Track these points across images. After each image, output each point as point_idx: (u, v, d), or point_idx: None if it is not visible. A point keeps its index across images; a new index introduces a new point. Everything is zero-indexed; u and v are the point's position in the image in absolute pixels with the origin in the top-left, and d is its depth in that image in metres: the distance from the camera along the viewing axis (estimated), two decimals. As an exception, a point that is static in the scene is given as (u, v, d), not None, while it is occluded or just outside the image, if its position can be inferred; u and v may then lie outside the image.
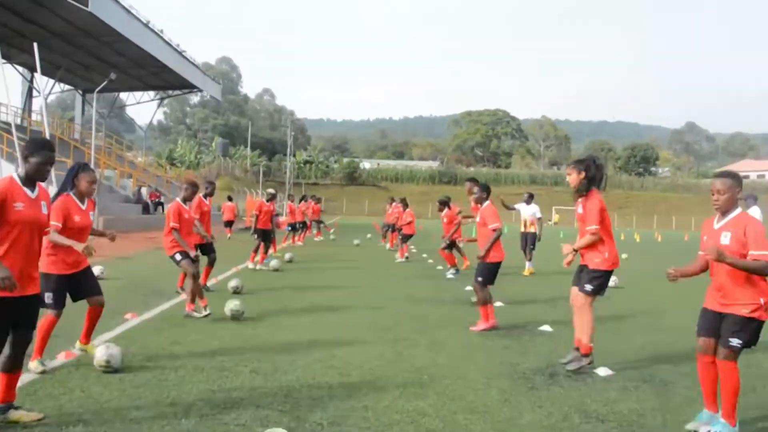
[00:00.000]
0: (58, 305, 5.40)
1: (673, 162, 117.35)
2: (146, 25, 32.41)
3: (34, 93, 39.27)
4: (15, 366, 4.15)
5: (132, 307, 8.24)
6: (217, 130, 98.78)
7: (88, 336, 5.87)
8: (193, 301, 8.03)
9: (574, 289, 6.08)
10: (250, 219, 35.97)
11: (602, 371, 5.89)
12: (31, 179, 4.11)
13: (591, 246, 5.90)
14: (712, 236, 4.54)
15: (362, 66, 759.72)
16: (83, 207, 5.54)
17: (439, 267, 15.32)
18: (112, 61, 35.69)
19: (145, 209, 32.06)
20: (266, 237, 14.35)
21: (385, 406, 4.72)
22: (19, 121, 37.71)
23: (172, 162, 67.22)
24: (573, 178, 6.02)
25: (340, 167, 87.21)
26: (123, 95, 51.32)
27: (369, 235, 27.03)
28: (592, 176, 5.99)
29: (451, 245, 13.89)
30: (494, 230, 7.74)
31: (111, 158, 39.24)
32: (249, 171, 74.74)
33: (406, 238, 17.77)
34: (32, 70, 35.27)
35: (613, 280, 12.74)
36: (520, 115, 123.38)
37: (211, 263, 10.48)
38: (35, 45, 19.64)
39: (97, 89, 28.63)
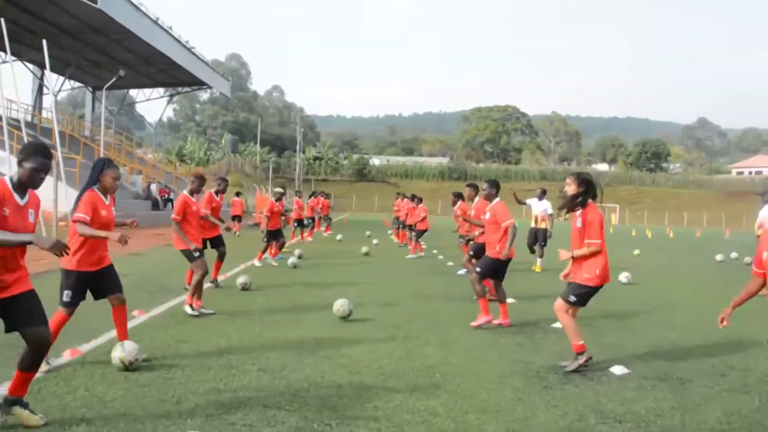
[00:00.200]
0: (74, 304, 5.33)
1: (685, 158, 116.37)
2: (155, 22, 32.42)
3: (45, 90, 39.38)
4: (32, 366, 4.03)
5: (139, 303, 8.15)
6: (226, 126, 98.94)
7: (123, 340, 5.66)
8: (193, 295, 7.93)
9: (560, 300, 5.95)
10: (258, 216, 36.05)
11: (617, 369, 5.75)
12: (22, 185, 3.90)
13: (583, 260, 5.77)
14: None
15: (372, 62, 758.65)
16: (107, 202, 5.51)
17: (450, 263, 15.19)
18: (121, 58, 35.74)
19: (155, 206, 32.10)
20: (277, 236, 14.26)
21: (395, 406, 4.61)
22: (29, 118, 37.89)
23: (181, 159, 67.33)
24: (573, 188, 5.88)
25: (350, 163, 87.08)
26: (132, 92, 51.51)
27: (368, 233, 26.77)
28: (593, 190, 5.86)
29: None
30: (508, 227, 7.62)
31: (121, 155, 39.32)
32: (259, 167, 74.76)
33: (420, 233, 17.64)
34: (42, 67, 35.38)
35: (626, 277, 12.67)
36: (530, 111, 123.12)
37: (221, 257, 10.43)
38: (44, 42, 19.60)
39: (106, 86, 28.60)
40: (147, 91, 48.62)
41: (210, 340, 6.57)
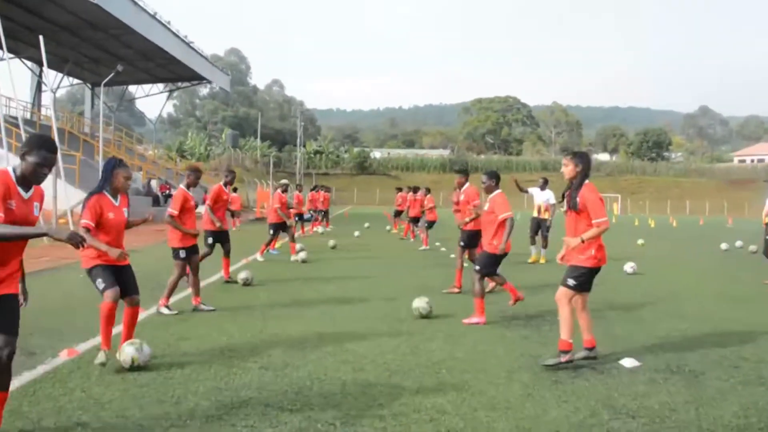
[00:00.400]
0: (113, 285, 5.29)
1: (686, 147, 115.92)
2: (153, 17, 32.18)
3: (43, 87, 39.20)
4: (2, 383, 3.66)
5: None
6: (226, 121, 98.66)
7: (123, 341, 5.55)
8: (168, 296, 7.78)
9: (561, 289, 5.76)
10: (260, 211, 35.93)
11: (628, 362, 5.61)
12: (25, 179, 3.70)
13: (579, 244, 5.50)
14: None
15: (372, 55, 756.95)
16: (116, 203, 5.45)
17: (453, 255, 15.03)
18: (119, 54, 35.52)
19: (155, 202, 31.98)
20: (284, 228, 14.14)
21: (401, 404, 4.47)
22: (28, 116, 37.72)
23: (182, 154, 67.19)
24: (570, 169, 5.62)
25: (351, 157, 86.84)
26: (132, 88, 51.30)
27: (367, 224, 26.66)
28: (588, 169, 5.65)
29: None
30: (505, 219, 7.44)
31: (121, 151, 39.18)
32: (259, 162, 74.54)
33: (431, 224, 17.57)
34: (40, 64, 35.15)
35: (631, 267, 12.52)
36: (530, 102, 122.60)
37: (226, 253, 10.32)
38: (41, 38, 19.40)
39: (104, 82, 28.42)
40: (146, 86, 48.42)
41: (211, 337, 6.44)
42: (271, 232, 13.94)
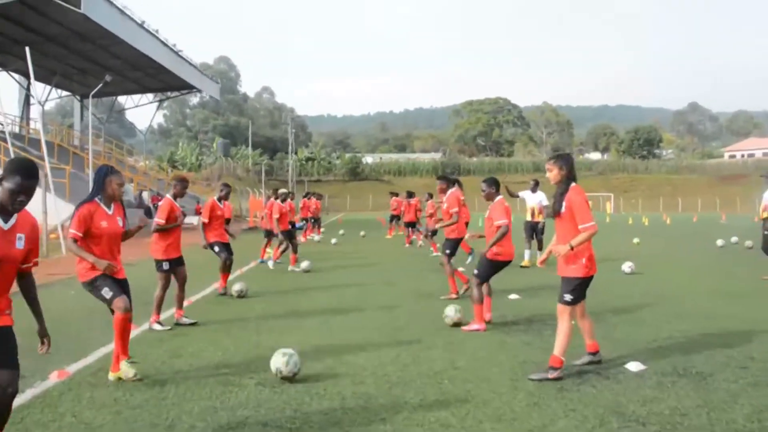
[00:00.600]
0: (120, 292, 5.20)
1: (677, 143, 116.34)
2: (141, 26, 31.98)
3: (32, 100, 38.91)
4: None
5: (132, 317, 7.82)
6: (217, 130, 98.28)
7: (117, 362, 5.40)
8: (158, 312, 7.60)
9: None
10: (253, 220, 35.69)
11: (633, 366, 5.48)
12: (3, 208, 3.40)
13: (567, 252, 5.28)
14: None
15: (360, 60, 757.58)
16: (110, 212, 5.31)
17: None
18: (108, 64, 35.30)
19: (148, 213, 31.67)
20: (291, 237, 13.97)
21: (404, 418, 4.32)
22: (17, 129, 37.43)
23: (173, 164, 66.87)
24: (554, 174, 5.42)
25: (343, 163, 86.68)
26: (122, 99, 50.96)
27: (363, 233, 26.50)
28: (572, 170, 5.45)
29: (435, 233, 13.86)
30: (499, 226, 7.31)
31: (111, 163, 38.86)
32: (251, 170, 74.29)
33: (434, 232, 17.46)
34: (27, 77, 34.91)
35: (629, 267, 12.41)
36: (521, 103, 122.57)
37: (228, 266, 10.16)
38: (27, 50, 19.18)
39: (92, 93, 28.19)
40: (136, 97, 48.19)
41: (206, 352, 6.27)
42: (280, 237, 13.78)
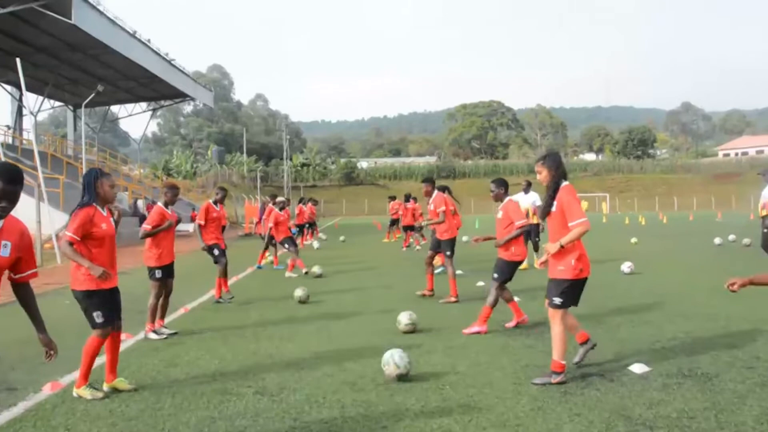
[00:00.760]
0: (109, 323, 5.06)
1: (671, 143, 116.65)
2: (132, 35, 31.82)
3: (24, 111, 38.73)
4: None
5: (127, 326, 7.65)
6: (212, 138, 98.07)
7: (113, 370, 5.29)
8: (153, 321, 7.49)
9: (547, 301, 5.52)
10: (249, 226, 35.55)
11: (637, 368, 5.39)
12: None
13: (557, 252, 5.14)
14: None
15: (354, 65, 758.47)
16: (105, 214, 5.19)
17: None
18: (100, 74, 35.14)
19: (142, 221, 31.53)
20: (292, 243, 13.84)
21: (406, 426, 4.22)
22: (10, 140, 37.24)
23: (168, 173, 66.69)
24: (544, 175, 5.30)
25: (338, 168, 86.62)
26: (115, 108, 50.80)
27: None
28: (562, 170, 5.31)
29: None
30: (520, 226, 7.25)
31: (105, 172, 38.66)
32: (246, 177, 74.19)
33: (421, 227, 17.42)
34: (19, 87, 34.77)
35: (628, 267, 12.34)
36: (514, 105, 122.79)
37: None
38: (18, 61, 19.04)
39: (84, 103, 28.05)
40: (129, 106, 47.97)
41: (202, 361, 6.16)
42: (286, 246, 13.64)
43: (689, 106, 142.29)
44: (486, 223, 40.71)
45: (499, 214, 7.48)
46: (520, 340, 6.71)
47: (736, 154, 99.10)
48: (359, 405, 4.69)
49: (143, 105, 48.30)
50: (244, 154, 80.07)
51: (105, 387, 5.23)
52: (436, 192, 9.91)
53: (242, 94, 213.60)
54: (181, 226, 33.99)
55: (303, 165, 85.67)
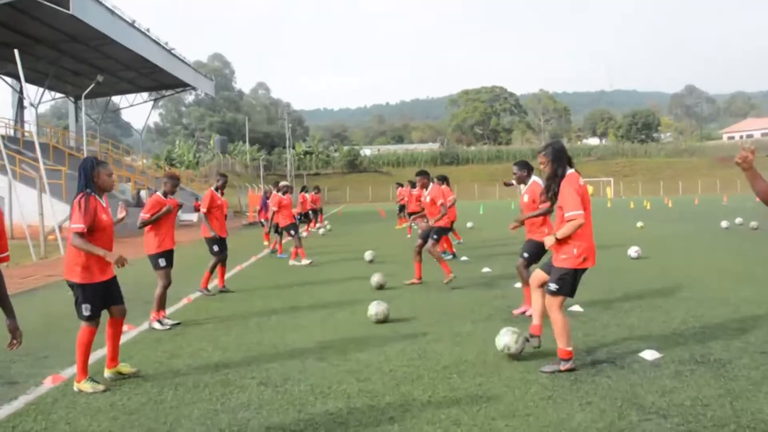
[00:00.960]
0: (97, 315, 5.00)
1: (675, 126, 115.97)
2: (132, 25, 31.63)
3: (25, 103, 38.61)
4: None
5: (130, 317, 7.58)
6: (214, 127, 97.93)
7: (115, 358, 5.28)
8: (158, 309, 7.40)
9: (538, 271, 5.41)
10: (252, 215, 35.45)
11: (649, 354, 5.28)
12: None
13: (563, 240, 5.00)
14: None
15: (356, 52, 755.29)
16: (104, 205, 5.11)
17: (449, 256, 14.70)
18: (100, 65, 34.99)
19: (146, 212, 31.48)
20: (294, 230, 13.73)
21: (413, 416, 4.13)
22: (12, 132, 37.15)
23: (171, 163, 66.58)
24: (549, 167, 5.15)
25: (341, 156, 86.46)
26: (116, 99, 50.61)
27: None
28: (562, 158, 5.13)
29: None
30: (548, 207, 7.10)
31: (108, 162, 38.59)
32: (249, 166, 74.09)
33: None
34: (19, 79, 34.65)
35: (635, 251, 12.20)
36: (517, 91, 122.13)
37: (223, 261, 9.93)
38: (16, 52, 18.88)
39: (84, 93, 27.91)
40: (130, 96, 47.86)
41: (205, 352, 6.07)
42: (292, 233, 13.53)
43: (693, 89, 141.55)
44: (490, 209, 40.55)
45: (525, 198, 7.31)
46: (526, 327, 6.58)
47: (741, 137, 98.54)
48: (365, 395, 4.60)
49: (144, 95, 48.18)
50: (247, 143, 79.99)
51: (107, 373, 5.22)
52: (432, 184, 10.05)
53: (244, 83, 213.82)
54: (184, 216, 34.00)
55: (306, 153, 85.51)
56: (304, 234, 21.68)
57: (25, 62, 22.26)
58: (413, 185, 19.99)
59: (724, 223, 19.32)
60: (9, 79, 37.16)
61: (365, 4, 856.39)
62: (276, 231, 15.09)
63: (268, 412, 4.33)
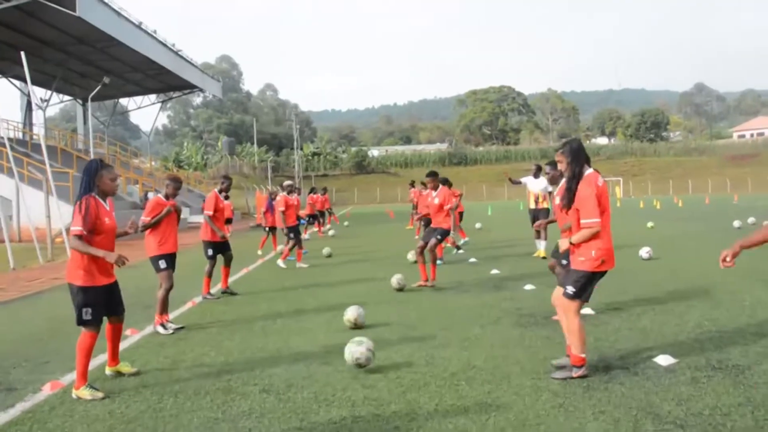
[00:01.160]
0: (98, 321, 4.92)
1: (685, 125, 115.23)
2: (138, 27, 31.64)
3: (34, 106, 38.73)
4: None
5: (133, 321, 7.52)
6: (222, 129, 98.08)
7: (115, 357, 5.35)
8: (161, 312, 7.27)
9: (559, 289, 5.14)
10: (260, 217, 35.42)
11: (663, 360, 5.11)
12: None
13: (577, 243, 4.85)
14: None
15: (364, 53, 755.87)
16: (108, 208, 5.03)
17: (460, 251, 14.56)
18: (107, 67, 35.04)
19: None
20: (295, 234, 13.58)
21: (419, 426, 3.98)
22: (20, 135, 37.25)
23: (179, 165, 66.71)
24: (564, 165, 4.95)
25: (349, 157, 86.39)
26: (124, 101, 50.80)
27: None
28: (580, 156, 4.91)
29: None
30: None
31: (116, 166, 38.70)
32: (257, 168, 74.12)
33: (460, 216, 17.16)
34: (26, 82, 34.76)
35: (646, 252, 11.99)
36: (525, 90, 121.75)
37: (227, 262, 9.82)
38: (23, 54, 18.86)
39: (91, 95, 27.91)
40: (138, 99, 47.95)
41: (208, 357, 5.94)
42: (292, 235, 13.36)
43: (703, 87, 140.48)
44: (498, 210, 40.34)
45: (558, 200, 7.13)
46: (537, 331, 6.44)
47: (752, 135, 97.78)
48: (370, 403, 4.45)
49: (152, 97, 48.27)
50: (255, 145, 79.97)
51: (108, 371, 5.22)
52: (441, 186, 10.19)
53: (251, 84, 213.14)
54: (193, 218, 33.85)
55: (314, 154, 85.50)
56: (307, 237, 21.54)
57: (32, 64, 22.25)
58: (424, 186, 19.89)
59: (736, 223, 19.06)
60: (18, 82, 37.27)
61: (366, 4, 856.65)
62: (273, 233, 15.02)
63: (269, 420, 4.20)
